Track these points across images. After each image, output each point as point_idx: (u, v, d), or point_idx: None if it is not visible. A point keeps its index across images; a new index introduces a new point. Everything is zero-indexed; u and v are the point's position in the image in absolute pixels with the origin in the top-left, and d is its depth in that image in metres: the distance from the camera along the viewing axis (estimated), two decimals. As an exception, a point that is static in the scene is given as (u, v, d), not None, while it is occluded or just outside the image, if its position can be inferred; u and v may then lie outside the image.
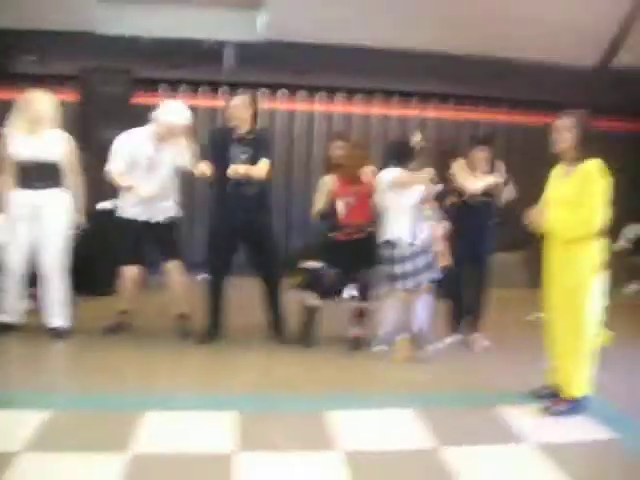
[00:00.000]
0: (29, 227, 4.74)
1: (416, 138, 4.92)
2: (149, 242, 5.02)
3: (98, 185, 7.11)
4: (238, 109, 4.84)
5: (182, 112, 4.91)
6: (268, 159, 4.85)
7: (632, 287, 7.61)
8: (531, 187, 4.06)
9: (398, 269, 4.73)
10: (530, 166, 7.73)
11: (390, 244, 4.76)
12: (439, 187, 4.96)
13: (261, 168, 4.79)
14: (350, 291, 6.11)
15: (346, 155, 4.91)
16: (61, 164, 4.80)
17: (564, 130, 3.69)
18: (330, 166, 4.98)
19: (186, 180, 5.27)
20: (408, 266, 4.72)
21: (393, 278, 4.78)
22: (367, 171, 4.82)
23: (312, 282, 5.06)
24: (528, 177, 5.08)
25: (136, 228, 4.92)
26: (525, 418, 3.67)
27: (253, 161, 4.77)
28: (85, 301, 5.85)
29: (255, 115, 4.92)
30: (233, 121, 4.87)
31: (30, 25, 6.65)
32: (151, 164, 4.85)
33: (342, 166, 4.90)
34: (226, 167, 4.71)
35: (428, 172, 4.67)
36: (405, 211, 4.75)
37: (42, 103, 4.72)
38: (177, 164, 4.94)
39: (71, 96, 7.01)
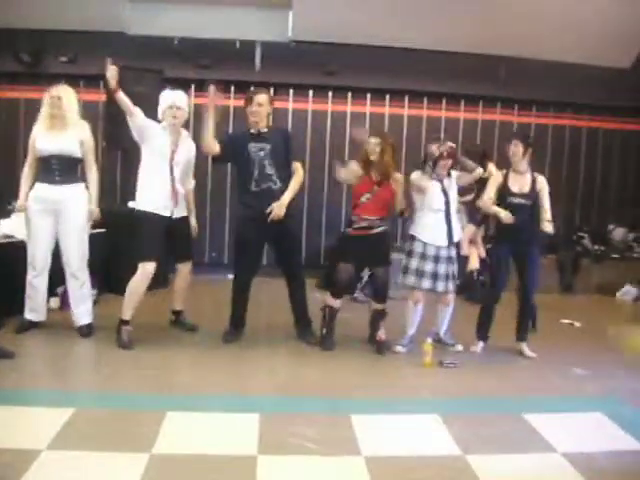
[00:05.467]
0: (51, 222, 4.71)
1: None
2: (168, 238, 4.82)
3: (126, 184, 7.21)
4: (261, 107, 4.79)
5: (171, 96, 4.91)
6: (296, 159, 4.88)
7: None
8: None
9: (414, 264, 4.82)
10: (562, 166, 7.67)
11: (413, 238, 4.88)
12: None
13: (299, 177, 4.86)
14: (359, 292, 6.19)
15: (380, 154, 4.87)
16: (82, 159, 4.77)
17: None
18: (366, 160, 4.93)
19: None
20: (428, 266, 4.79)
21: (406, 271, 4.86)
22: (397, 177, 4.92)
23: (332, 281, 5.05)
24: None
25: (158, 223, 4.74)
26: (554, 426, 3.57)
27: (272, 155, 4.75)
28: (110, 299, 5.89)
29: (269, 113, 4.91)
30: (254, 118, 4.80)
31: (62, 26, 6.74)
32: (172, 159, 4.81)
33: (373, 164, 4.88)
34: (248, 168, 4.75)
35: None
36: (433, 212, 4.83)
37: (64, 98, 4.70)
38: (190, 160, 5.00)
39: (102, 96, 7.07)
